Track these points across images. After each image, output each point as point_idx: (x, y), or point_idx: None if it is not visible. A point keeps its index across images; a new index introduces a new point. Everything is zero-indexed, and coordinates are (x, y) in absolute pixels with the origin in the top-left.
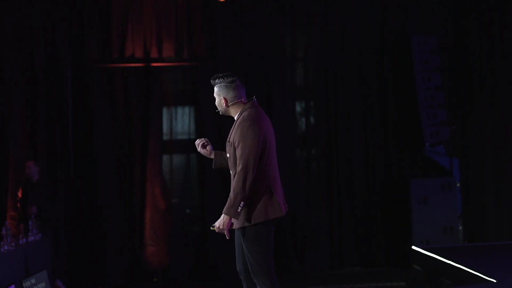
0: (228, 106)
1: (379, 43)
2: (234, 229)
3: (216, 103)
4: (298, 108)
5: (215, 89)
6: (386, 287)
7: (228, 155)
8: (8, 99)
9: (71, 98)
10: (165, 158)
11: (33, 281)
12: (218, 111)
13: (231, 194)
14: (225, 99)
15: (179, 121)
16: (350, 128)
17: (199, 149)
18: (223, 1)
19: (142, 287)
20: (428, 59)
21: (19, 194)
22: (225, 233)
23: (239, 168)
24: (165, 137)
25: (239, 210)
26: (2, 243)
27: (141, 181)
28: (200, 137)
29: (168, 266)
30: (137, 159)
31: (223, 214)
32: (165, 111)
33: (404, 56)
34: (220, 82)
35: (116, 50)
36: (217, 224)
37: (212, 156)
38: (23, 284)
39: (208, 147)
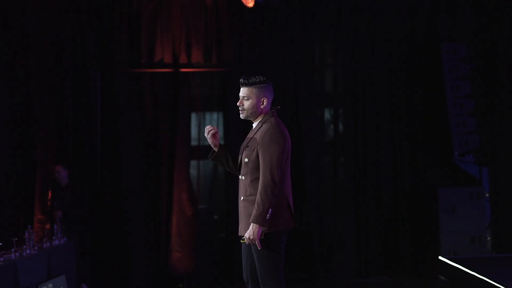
0: (261, 109)
1: (408, 50)
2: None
3: (248, 104)
4: (326, 115)
5: (253, 89)
6: None
7: (246, 159)
8: (37, 104)
9: (99, 103)
10: (193, 163)
11: (50, 285)
12: (240, 114)
13: (258, 201)
14: (266, 99)
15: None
16: (378, 136)
17: (207, 135)
18: (252, 7)
19: None
20: (458, 67)
21: (49, 196)
22: (257, 243)
23: (265, 174)
24: (193, 143)
25: (267, 217)
26: (24, 246)
27: (168, 186)
28: (228, 143)
29: (194, 272)
30: (164, 164)
31: (251, 224)
32: (193, 116)
33: (433, 63)
34: (261, 82)
35: (145, 55)
36: (247, 235)
37: (216, 149)
38: None
39: (217, 138)
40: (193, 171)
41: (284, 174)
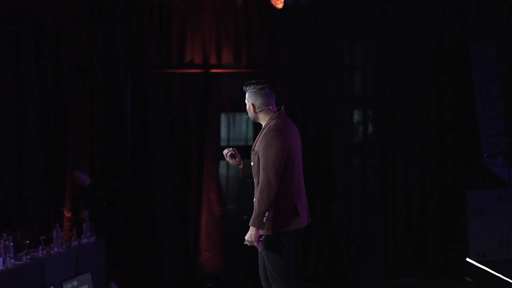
0: (256, 113)
1: (438, 51)
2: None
3: (247, 108)
4: (355, 117)
5: (246, 95)
6: None
7: (252, 163)
8: (68, 105)
9: (129, 103)
10: (222, 164)
11: (75, 283)
12: (248, 117)
13: (256, 205)
14: (253, 105)
15: (237, 127)
16: (407, 138)
17: (227, 159)
18: (281, 8)
19: None
20: (487, 69)
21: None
22: (256, 245)
23: (262, 178)
24: (222, 143)
25: (264, 220)
26: (52, 245)
27: (197, 186)
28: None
29: (222, 271)
30: (194, 165)
31: (250, 227)
32: (223, 117)
33: (462, 65)
34: (251, 88)
35: (175, 56)
36: (247, 237)
37: (241, 166)
38: (64, 286)
39: (237, 158)
40: (222, 171)
41: (288, 176)
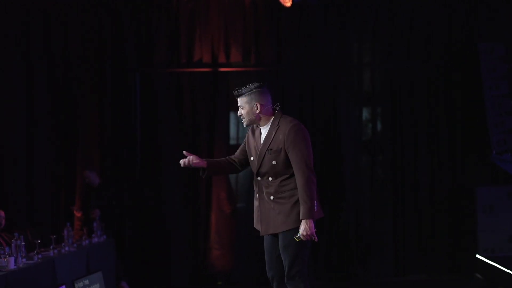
0: (261, 113)
1: (446, 49)
2: (267, 235)
3: (244, 113)
4: (364, 114)
5: (244, 98)
6: None
7: (274, 162)
8: (77, 104)
9: (138, 102)
10: None
11: (86, 282)
12: (243, 123)
13: (305, 198)
14: (261, 105)
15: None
16: (416, 135)
17: (190, 165)
18: (289, 7)
19: None
20: (496, 66)
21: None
22: (314, 237)
23: (302, 171)
24: (231, 142)
25: (315, 210)
26: (63, 244)
27: (207, 184)
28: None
29: (232, 270)
30: None
31: (304, 220)
32: (231, 116)
33: (471, 62)
34: (251, 89)
35: (184, 55)
36: (302, 232)
37: (205, 166)
38: (75, 285)
39: (198, 160)
40: None
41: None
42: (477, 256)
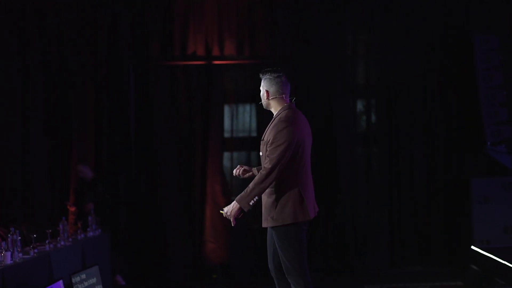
0: (268, 99)
1: (441, 41)
2: (266, 227)
3: (260, 95)
4: (359, 107)
5: (262, 82)
6: (443, 286)
7: (261, 153)
8: (72, 97)
9: (133, 95)
10: (226, 155)
11: (83, 276)
12: (261, 104)
13: (250, 185)
14: (267, 91)
15: (240, 118)
16: (411, 127)
17: (242, 177)
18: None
19: (201, 283)
20: (490, 57)
21: (73, 209)
22: (231, 220)
23: (266, 165)
24: (226, 135)
25: (251, 203)
26: (58, 238)
27: (202, 178)
28: (261, 135)
29: (228, 262)
30: (198, 156)
31: (234, 201)
32: (226, 108)
33: (465, 54)
34: (266, 76)
35: (178, 48)
36: (226, 209)
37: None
38: (73, 279)
39: (248, 171)
40: (226, 163)
41: (297, 168)
42: (473, 247)
